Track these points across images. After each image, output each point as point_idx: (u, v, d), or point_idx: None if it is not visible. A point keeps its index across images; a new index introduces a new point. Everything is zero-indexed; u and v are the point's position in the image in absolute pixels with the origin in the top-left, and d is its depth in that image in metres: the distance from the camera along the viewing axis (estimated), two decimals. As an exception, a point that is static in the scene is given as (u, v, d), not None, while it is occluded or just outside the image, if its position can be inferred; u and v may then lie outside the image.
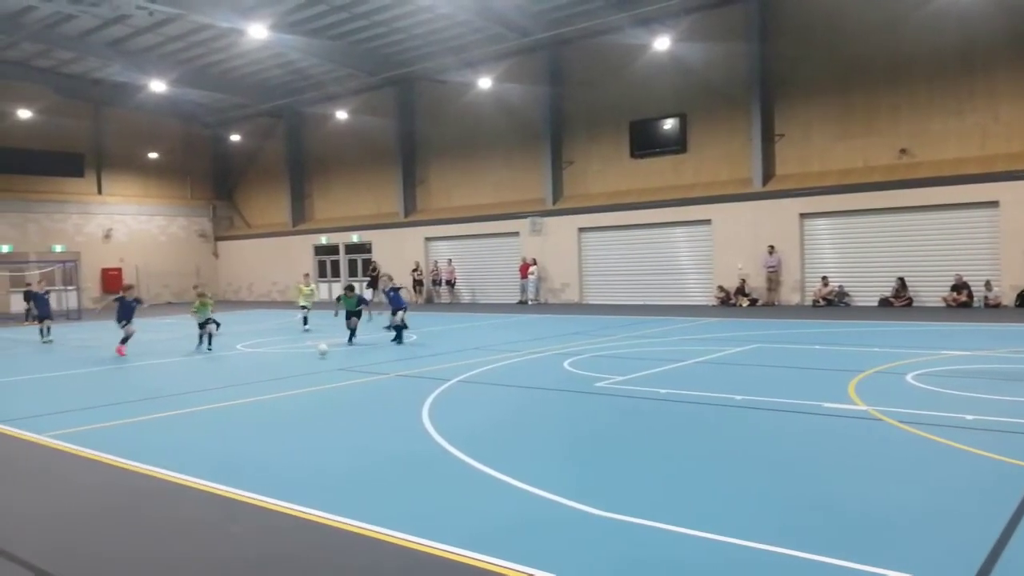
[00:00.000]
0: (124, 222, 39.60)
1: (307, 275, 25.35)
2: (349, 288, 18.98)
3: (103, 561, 5.04)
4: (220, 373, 13.99)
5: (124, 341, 16.68)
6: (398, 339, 17.13)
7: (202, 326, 17.28)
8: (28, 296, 21.29)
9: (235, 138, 40.76)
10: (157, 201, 41.04)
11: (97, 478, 7.04)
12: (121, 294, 17.38)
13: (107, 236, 38.76)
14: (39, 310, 20.87)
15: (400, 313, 17.19)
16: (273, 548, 5.16)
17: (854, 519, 5.31)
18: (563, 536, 5.15)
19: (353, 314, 18.02)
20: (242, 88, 35.41)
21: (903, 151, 23.49)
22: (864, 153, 24.21)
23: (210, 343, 17.21)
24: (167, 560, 5.01)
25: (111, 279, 38.36)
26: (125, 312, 16.85)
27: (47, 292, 21.58)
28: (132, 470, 7.15)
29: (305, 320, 21.69)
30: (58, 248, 36.44)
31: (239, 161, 43.07)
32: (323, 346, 15.53)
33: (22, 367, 15.76)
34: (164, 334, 21.80)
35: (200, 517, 5.85)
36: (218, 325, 17.63)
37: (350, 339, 17.60)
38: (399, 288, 18.07)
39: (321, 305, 25.96)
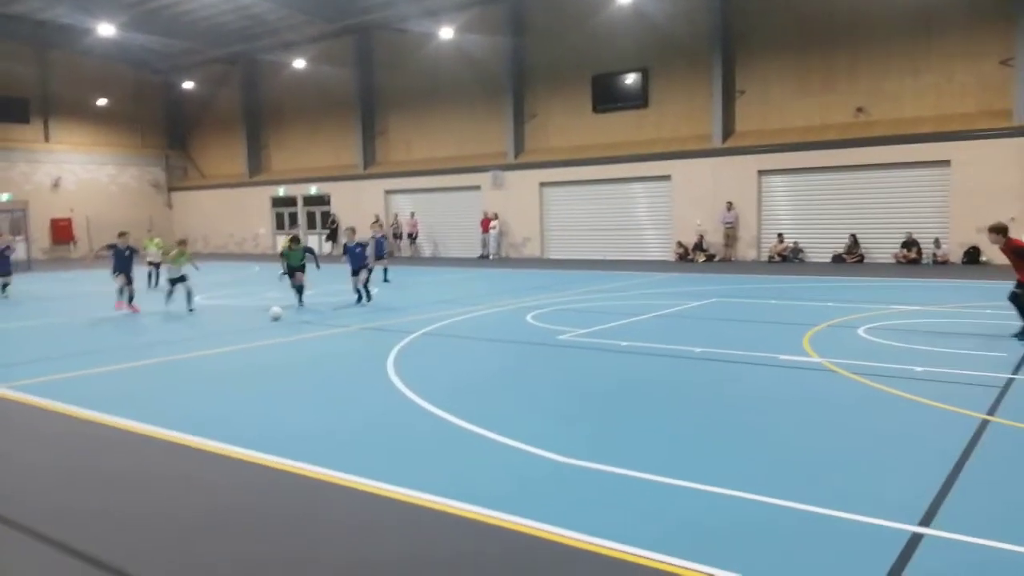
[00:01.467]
0: (73, 171, 38.36)
1: (333, 221, 23.02)
2: (293, 240, 16.47)
3: (68, 512, 5.05)
4: (180, 325, 13.82)
5: (131, 299, 15.26)
6: (363, 298, 15.73)
7: (174, 281, 15.43)
8: None
9: (188, 85, 39.51)
10: (107, 149, 39.77)
11: (57, 428, 6.99)
12: (115, 243, 15.67)
13: (56, 185, 37.56)
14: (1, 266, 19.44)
15: (364, 273, 15.79)
16: (240, 498, 5.22)
17: (806, 464, 5.56)
18: (527, 482, 5.30)
19: (297, 269, 15.78)
20: (195, 33, 34.21)
21: (859, 110, 23.84)
22: (822, 111, 24.51)
23: (190, 302, 15.28)
24: (132, 511, 5.04)
25: (61, 229, 37.34)
26: (120, 263, 15.23)
27: (8, 248, 20.08)
28: (92, 420, 7.10)
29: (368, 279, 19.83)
30: (4, 197, 35.22)
31: (193, 109, 41.86)
32: (276, 309, 13.81)
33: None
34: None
35: (166, 467, 5.86)
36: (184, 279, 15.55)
37: (299, 299, 15.61)
38: (365, 244, 16.38)
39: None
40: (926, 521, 4.45)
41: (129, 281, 15.22)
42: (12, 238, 21.54)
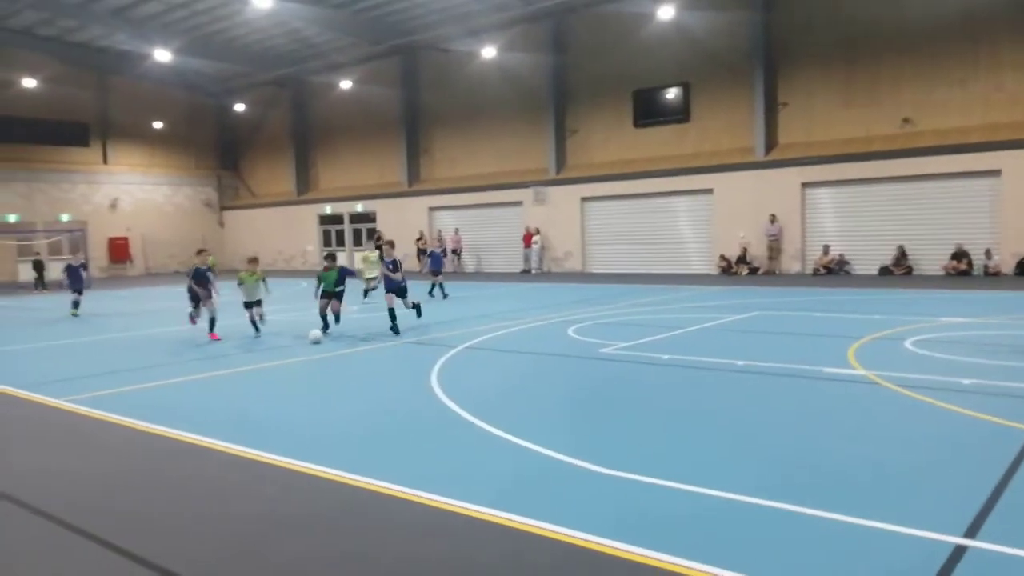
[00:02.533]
0: (130, 191, 39.74)
1: (379, 238, 22.11)
2: (330, 257, 14.80)
3: (132, 519, 5.33)
4: (232, 339, 14.23)
5: (211, 325, 13.74)
6: (394, 326, 13.69)
7: (249, 306, 13.78)
8: (65, 268, 19.79)
9: (239, 107, 40.70)
10: (162, 171, 41.13)
11: (119, 440, 7.33)
12: (194, 265, 14.37)
13: (113, 205, 38.93)
14: (72, 283, 19.41)
15: (394, 297, 13.90)
16: (296, 507, 5.44)
17: (851, 476, 5.58)
18: (567, 492, 5.43)
19: (333, 295, 14.05)
20: (246, 57, 35.31)
21: (906, 120, 23.52)
22: (867, 122, 24.23)
23: (258, 327, 13.86)
24: (192, 517, 5.30)
25: (118, 248, 38.63)
26: (199, 284, 13.87)
27: (82, 264, 20.38)
28: (153, 432, 7.43)
29: (366, 293, 19.80)
30: (65, 217, 36.63)
31: (244, 131, 43.06)
32: (315, 332, 13.10)
33: (42, 335, 16.01)
34: (176, 302, 22.07)
35: (222, 476, 6.13)
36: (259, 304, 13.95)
37: (324, 327, 13.69)
38: (397, 262, 14.37)
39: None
40: (971, 533, 4.45)
41: (203, 299, 13.81)
42: (82, 256, 21.86)
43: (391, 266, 14.00)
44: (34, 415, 8.50)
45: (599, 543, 4.45)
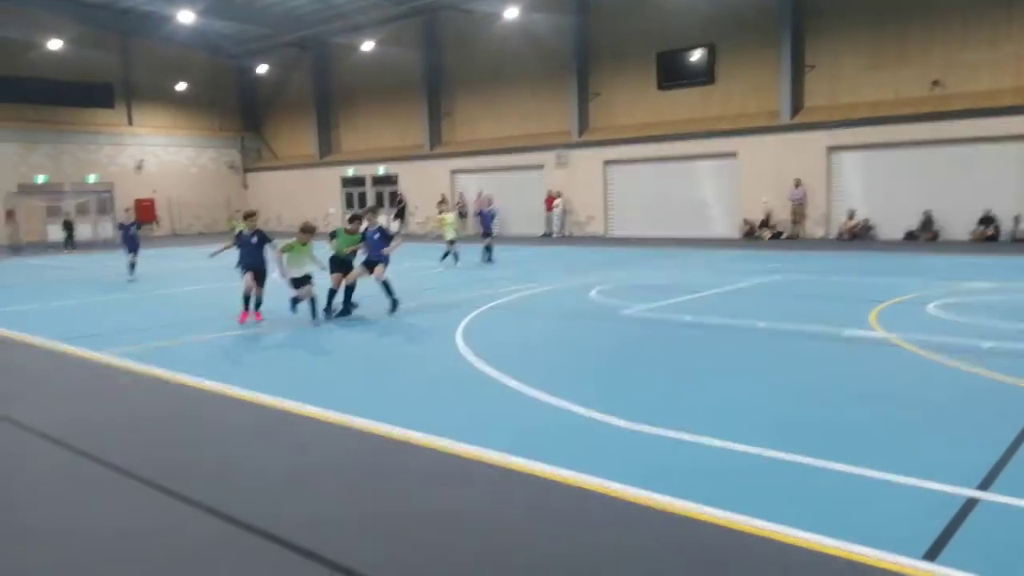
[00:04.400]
0: (155, 153, 40.06)
1: (442, 201, 20.70)
2: (354, 218, 12.29)
3: (177, 465, 5.60)
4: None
5: (258, 304, 11.28)
6: (392, 302, 11.84)
7: (297, 283, 11.04)
8: (119, 227, 18.71)
9: (262, 69, 40.69)
10: (187, 132, 41.38)
11: (159, 392, 7.62)
12: (241, 229, 12.17)
13: (139, 167, 39.28)
14: (128, 244, 18.32)
15: (380, 267, 11.70)
16: (327, 456, 5.69)
17: (868, 432, 5.72)
18: (591, 444, 5.62)
19: (343, 263, 11.63)
20: (268, 18, 35.22)
21: (935, 83, 23.12)
22: (895, 85, 23.84)
23: (315, 313, 11.28)
24: (233, 463, 5.56)
25: (144, 209, 39.05)
26: (249, 255, 11.29)
27: (135, 224, 18.98)
28: (191, 385, 7.70)
29: (455, 257, 19.05)
30: (92, 179, 37.06)
31: (266, 93, 43.10)
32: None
33: (72, 292, 16.39)
34: (199, 261, 22.43)
35: (254, 424, 6.40)
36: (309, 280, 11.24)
37: (313, 309, 11.29)
38: (385, 230, 12.13)
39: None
40: (984, 486, 4.60)
41: (259, 281, 11.24)
42: (132, 214, 19.96)
43: (377, 235, 11.65)
44: (71, 367, 8.82)
45: (623, 491, 4.64)
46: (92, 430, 6.31)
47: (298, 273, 11.01)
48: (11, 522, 4.61)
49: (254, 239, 11.42)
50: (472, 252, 20.11)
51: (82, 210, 34.58)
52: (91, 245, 31.95)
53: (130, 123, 39.31)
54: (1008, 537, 3.99)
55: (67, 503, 4.84)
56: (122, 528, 4.43)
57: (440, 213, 19.87)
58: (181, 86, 40.43)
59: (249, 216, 12.23)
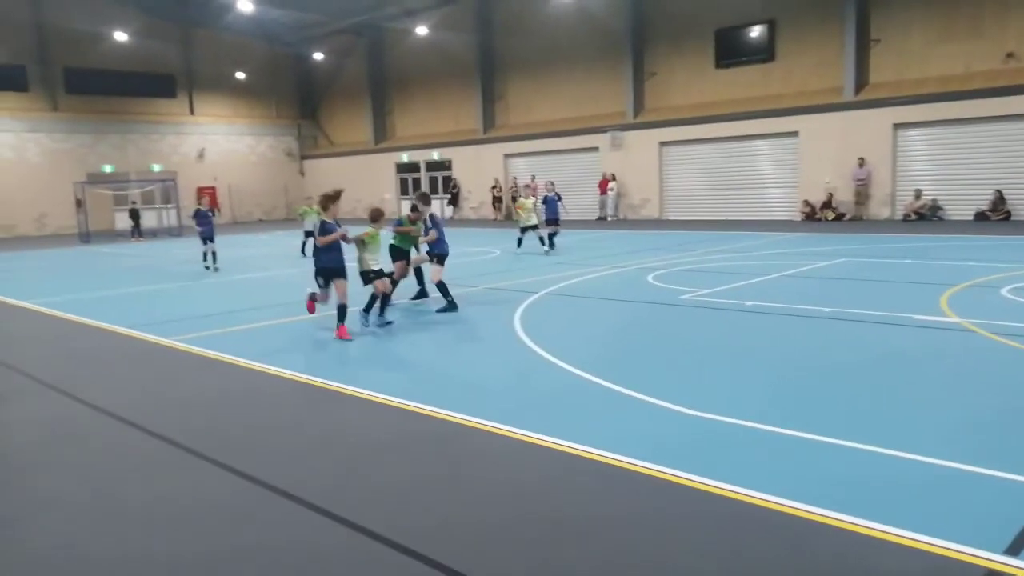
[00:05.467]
0: (215, 142, 40.99)
1: (528, 185, 19.39)
2: (415, 208, 11.52)
3: (232, 439, 5.75)
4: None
5: (342, 315, 9.20)
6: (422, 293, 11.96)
7: (368, 278, 9.81)
8: (194, 215, 17.92)
9: (318, 57, 41.22)
10: (246, 121, 42.21)
11: (216, 374, 7.83)
12: (319, 217, 9.47)
13: (200, 156, 40.26)
14: (204, 230, 17.47)
15: (401, 265, 11.43)
16: (389, 435, 5.77)
17: (941, 421, 5.55)
18: (658, 430, 5.58)
19: (403, 253, 11.44)
20: (323, 5, 35.54)
21: (1010, 55, 22.11)
22: (966, 58, 22.88)
23: (383, 312, 10.00)
24: (296, 440, 5.68)
25: (202, 196, 40.06)
26: (327, 253, 9.34)
27: (212, 211, 18.11)
28: (248, 367, 7.89)
29: (542, 240, 18.22)
30: (156, 168, 38.12)
31: (322, 80, 43.64)
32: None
33: (140, 279, 16.92)
34: (263, 248, 22.93)
35: (306, 404, 6.52)
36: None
37: (382, 307, 10.03)
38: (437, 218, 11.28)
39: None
40: (1066, 478, 4.43)
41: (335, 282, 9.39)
42: (207, 200, 19.20)
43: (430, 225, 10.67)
44: (141, 351, 9.12)
45: (690, 479, 4.61)
46: (165, 408, 6.52)
47: (376, 265, 9.80)
48: (103, 499, 4.80)
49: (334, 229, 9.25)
50: (531, 238, 19.86)
51: (147, 199, 35.61)
52: (156, 233, 32.90)
53: (191, 112, 40.26)
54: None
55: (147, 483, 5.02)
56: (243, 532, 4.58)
57: (518, 199, 18.78)
58: (240, 75, 41.21)
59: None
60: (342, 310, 9.19)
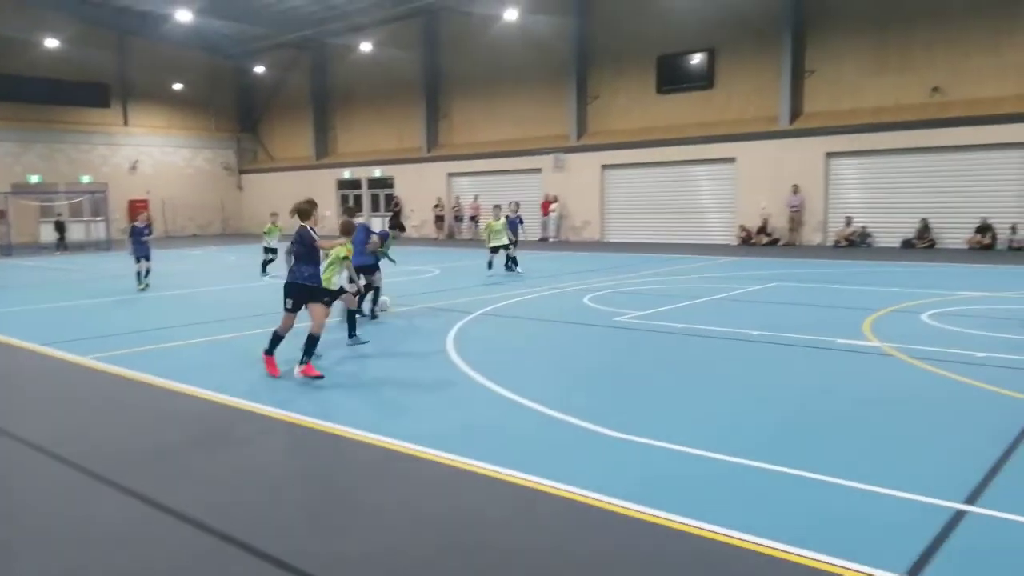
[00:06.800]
0: (150, 154, 39.93)
1: (498, 205, 19.17)
2: (398, 226, 12.32)
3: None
4: (250, 302, 14.38)
5: (310, 348, 7.76)
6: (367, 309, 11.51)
7: (335, 295, 8.83)
8: (131, 231, 16.53)
9: (259, 70, 40.61)
10: (182, 133, 41.26)
11: (142, 397, 7.49)
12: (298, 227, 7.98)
13: (133, 167, 39.15)
14: (137, 249, 16.27)
15: (376, 275, 11.42)
16: (312, 461, 5.56)
17: (854, 443, 5.60)
18: (579, 454, 5.49)
19: (373, 268, 11.32)
20: (266, 18, 35.11)
21: (935, 89, 23.04)
22: (897, 91, 23.75)
23: (376, 305, 10.75)
24: (201, 472, 5.43)
25: (138, 210, 38.91)
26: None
27: (148, 227, 16.86)
28: (170, 389, 7.57)
29: (509, 264, 17.98)
30: (85, 179, 36.89)
31: (263, 94, 43.00)
32: (384, 298, 11.72)
33: (69, 294, 16.25)
34: (196, 264, 22.32)
35: (236, 431, 6.27)
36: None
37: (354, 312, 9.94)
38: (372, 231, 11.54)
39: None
40: (971, 500, 4.48)
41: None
42: (147, 216, 17.83)
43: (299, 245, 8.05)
44: (53, 369, 8.69)
45: (611, 503, 4.52)
46: (74, 438, 6.17)
47: (342, 282, 9.13)
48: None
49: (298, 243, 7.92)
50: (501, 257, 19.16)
51: (75, 211, 34.40)
52: (83, 247, 31.77)
53: (125, 123, 39.20)
54: (994, 552, 3.87)
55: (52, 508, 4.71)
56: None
57: (488, 220, 18.04)
58: (178, 86, 40.33)
59: (313, 207, 8.05)
60: (312, 342, 7.64)
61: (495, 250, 17.70)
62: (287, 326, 7.93)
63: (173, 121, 40.95)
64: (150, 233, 16.77)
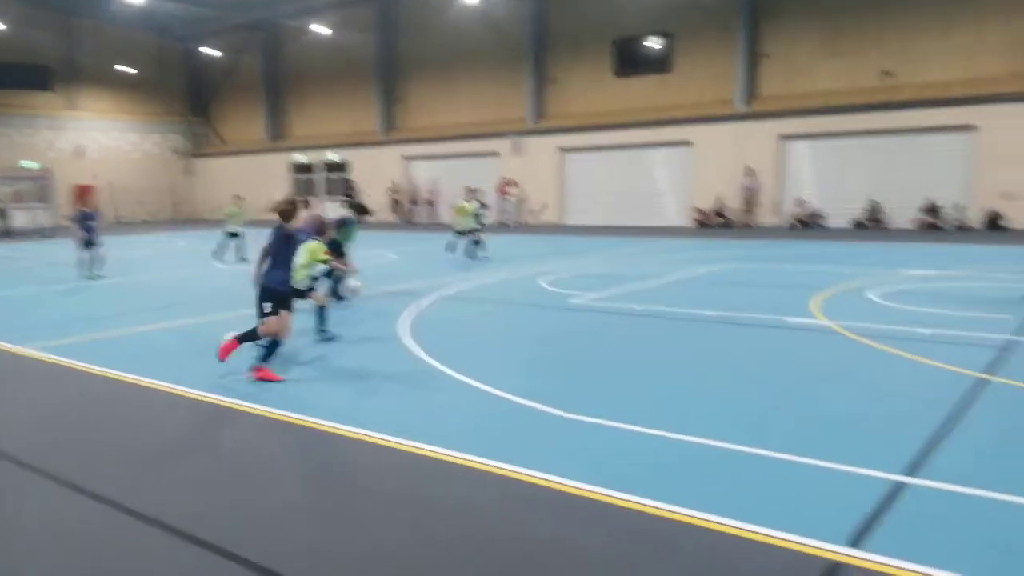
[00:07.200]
0: (96, 138, 38.82)
1: (471, 188, 18.79)
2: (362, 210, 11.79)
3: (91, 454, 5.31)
4: (203, 289, 14.09)
5: (269, 352, 7.19)
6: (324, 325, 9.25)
7: (304, 294, 8.39)
8: (79, 217, 15.50)
9: (211, 52, 39.67)
10: (130, 117, 40.17)
11: (72, 384, 7.28)
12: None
13: (79, 152, 38.03)
14: (88, 234, 15.33)
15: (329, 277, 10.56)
16: (266, 447, 5.46)
17: (801, 418, 5.68)
18: (533, 436, 5.48)
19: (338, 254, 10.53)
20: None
21: (886, 73, 23.44)
22: (849, 75, 24.12)
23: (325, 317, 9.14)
24: (148, 447, 5.30)
25: (83, 196, 37.86)
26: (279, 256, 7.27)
27: (94, 212, 15.91)
28: (111, 377, 7.37)
29: (477, 244, 17.26)
30: (29, 164, 35.69)
31: (214, 76, 42.04)
32: (355, 282, 10.77)
33: (13, 281, 15.75)
34: (145, 251, 21.82)
35: (191, 420, 6.12)
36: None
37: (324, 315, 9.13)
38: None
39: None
40: (911, 471, 4.57)
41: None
42: (94, 202, 16.99)
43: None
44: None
45: (564, 484, 4.51)
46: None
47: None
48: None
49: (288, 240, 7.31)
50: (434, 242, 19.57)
51: (18, 197, 33.28)
52: (27, 234, 30.79)
53: (71, 107, 38.02)
54: (933, 522, 3.95)
55: (-37, 506, 4.54)
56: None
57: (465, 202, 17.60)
58: (125, 69, 39.20)
59: (296, 207, 7.39)
60: (274, 347, 7.15)
61: (462, 233, 17.38)
62: (274, 330, 7.15)
63: (121, 105, 39.84)
64: (96, 219, 15.89)
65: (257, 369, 7.08)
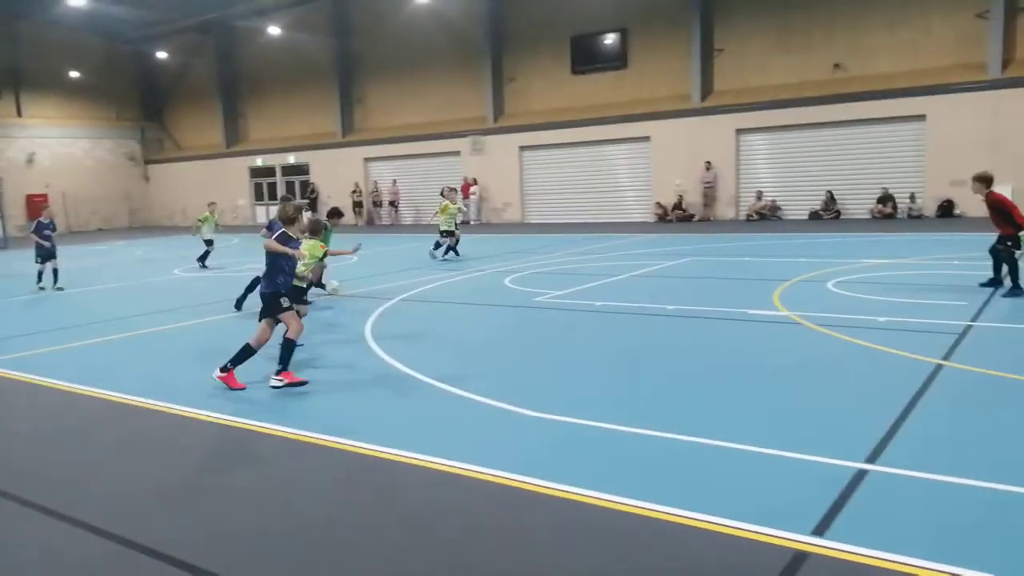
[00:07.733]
0: (47, 145, 37.82)
1: (453, 188, 18.64)
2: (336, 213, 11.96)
3: (57, 482, 5.18)
4: (158, 298, 13.85)
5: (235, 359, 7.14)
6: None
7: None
8: (35, 228, 15.08)
9: (162, 55, 38.89)
10: (81, 123, 39.21)
11: (43, 401, 7.09)
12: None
13: (29, 161, 37.06)
14: (41, 248, 14.97)
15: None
16: (227, 457, 5.37)
17: (763, 409, 5.76)
18: (498, 435, 5.47)
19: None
20: (166, 1, 33.61)
21: (837, 66, 23.87)
22: (800, 68, 24.51)
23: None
24: (121, 480, 5.18)
25: (36, 206, 36.87)
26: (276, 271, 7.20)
27: (52, 223, 15.41)
28: (77, 392, 7.20)
29: (452, 249, 17.26)
30: (-20, 175, 34.69)
31: (167, 80, 41.24)
32: (335, 282, 11.68)
33: None
34: (99, 260, 21.35)
35: (150, 433, 6.00)
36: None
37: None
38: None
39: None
40: (872, 459, 4.66)
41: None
42: (51, 211, 16.31)
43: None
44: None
45: (529, 483, 4.51)
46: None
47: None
48: None
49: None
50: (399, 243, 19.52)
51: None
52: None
53: (19, 114, 37.02)
54: (894, 509, 4.03)
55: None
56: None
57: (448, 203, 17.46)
58: (74, 74, 38.27)
59: (298, 212, 7.50)
60: (290, 347, 7.09)
61: (444, 234, 17.37)
62: (297, 327, 7.18)
63: (71, 111, 38.88)
64: (54, 229, 15.37)
65: (285, 373, 7.03)
